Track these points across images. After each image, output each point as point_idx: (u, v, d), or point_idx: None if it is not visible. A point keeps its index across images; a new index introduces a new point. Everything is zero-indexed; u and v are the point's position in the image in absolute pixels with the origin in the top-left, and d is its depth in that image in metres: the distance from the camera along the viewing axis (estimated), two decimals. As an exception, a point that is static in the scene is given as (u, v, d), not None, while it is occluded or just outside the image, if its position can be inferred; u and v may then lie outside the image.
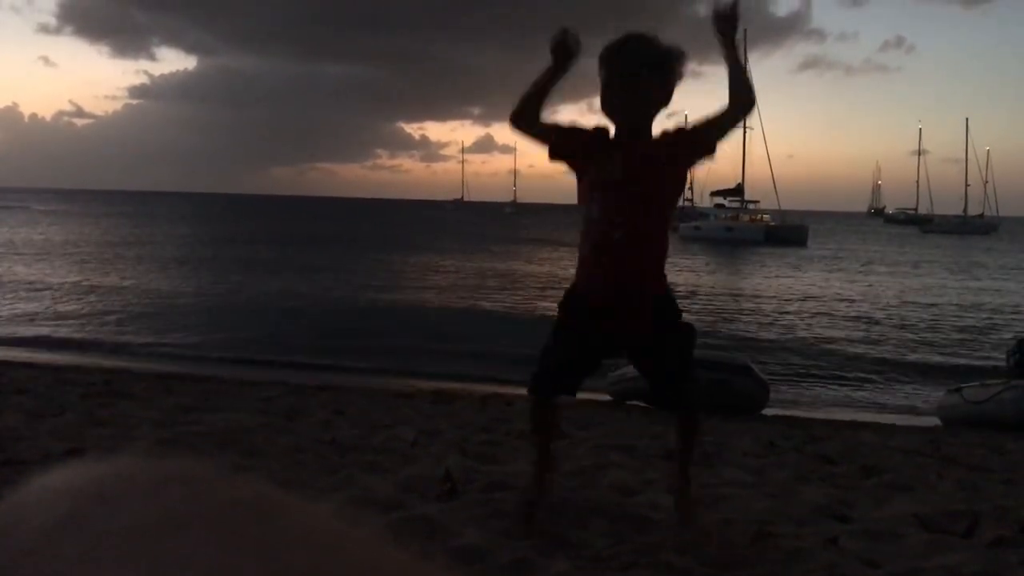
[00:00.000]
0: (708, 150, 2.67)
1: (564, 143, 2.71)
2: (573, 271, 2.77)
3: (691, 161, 2.70)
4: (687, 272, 24.89)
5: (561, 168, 2.75)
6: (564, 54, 2.61)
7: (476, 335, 12.81)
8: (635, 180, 2.59)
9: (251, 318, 14.20)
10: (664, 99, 2.64)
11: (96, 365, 8.72)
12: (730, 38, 2.63)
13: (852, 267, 32.16)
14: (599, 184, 2.63)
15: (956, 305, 19.63)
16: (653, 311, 2.69)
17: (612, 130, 2.67)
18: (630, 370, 6.75)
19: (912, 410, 8.81)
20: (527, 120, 2.65)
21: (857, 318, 16.69)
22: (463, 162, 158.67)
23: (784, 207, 57.09)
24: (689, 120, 2.75)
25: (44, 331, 12.53)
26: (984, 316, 17.73)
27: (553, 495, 3.02)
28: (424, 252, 32.85)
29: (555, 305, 2.87)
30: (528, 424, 3.02)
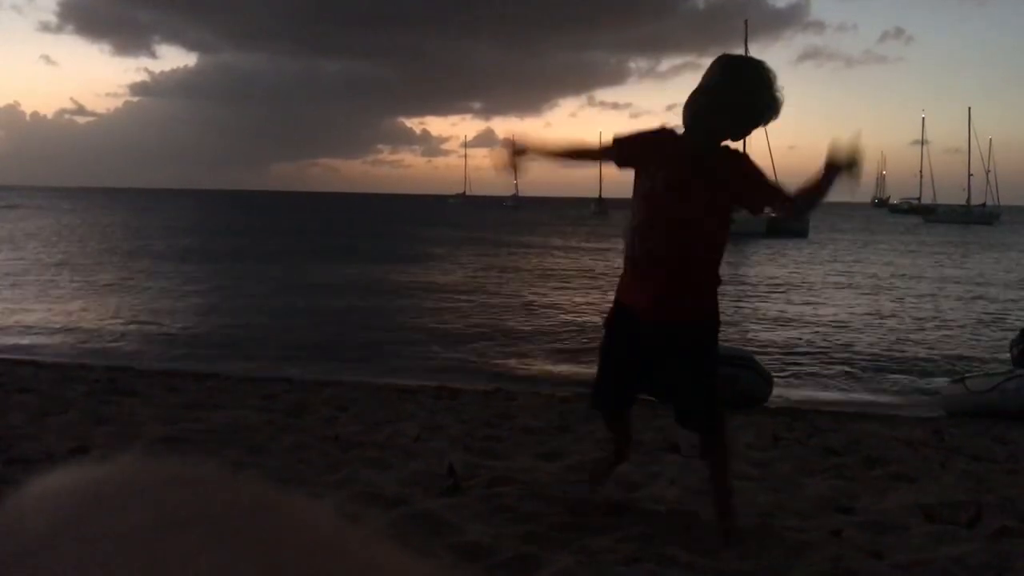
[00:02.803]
0: (753, 210, 2.66)
1: (629, 152, 2.70)
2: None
3: (737, 202, 2.65)
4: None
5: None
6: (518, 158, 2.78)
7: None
8: (682, 198, 2.55)
9: (254, 316, 14.21)
10: (746, 134, 2.63)
11: (100, 363, 8.74)
12: (832, 179, 2.52)
13: (853, 258, 32.11)
14: (646, 195, 2.61)
15: (959, 295, 19.60)
16: (688, 332, 2.63)
17: (679, 132, 2.63)
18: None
19: (915, 401, 8.79)
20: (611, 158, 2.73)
21: (859, 308, 16.67)
22: (466, 156, 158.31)
23: (786, 198, 56.93)
24: (767, 171, 2.65)
25: (47, 329, 12.55)
26: (987, 306, 17.70)
27: (564, 486, 3.04)
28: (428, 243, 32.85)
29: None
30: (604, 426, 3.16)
